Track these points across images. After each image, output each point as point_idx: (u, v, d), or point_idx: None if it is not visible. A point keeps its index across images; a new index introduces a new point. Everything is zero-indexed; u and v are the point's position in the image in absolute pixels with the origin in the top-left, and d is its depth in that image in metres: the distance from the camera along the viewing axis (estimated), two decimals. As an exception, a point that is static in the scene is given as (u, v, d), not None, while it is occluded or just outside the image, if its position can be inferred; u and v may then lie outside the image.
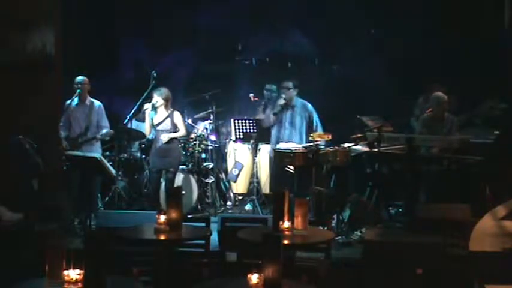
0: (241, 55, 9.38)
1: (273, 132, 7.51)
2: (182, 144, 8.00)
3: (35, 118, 6.28)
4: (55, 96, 6.69)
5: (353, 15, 8.72)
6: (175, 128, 7.23)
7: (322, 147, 6.75)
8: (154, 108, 7.15)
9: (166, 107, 7.21)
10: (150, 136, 7.53)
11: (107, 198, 7.54)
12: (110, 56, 9.15)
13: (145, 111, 7.33)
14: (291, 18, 9.14)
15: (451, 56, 8.13)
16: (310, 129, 7.33)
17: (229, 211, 7.95)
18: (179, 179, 7.51)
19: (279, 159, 6.97)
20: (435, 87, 7.43)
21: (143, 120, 7.52)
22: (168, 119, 7.21)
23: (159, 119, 7.21)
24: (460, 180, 6.14)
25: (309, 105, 7.46)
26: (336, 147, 6.66)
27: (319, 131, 7.28)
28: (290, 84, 7.36)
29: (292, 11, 9.10)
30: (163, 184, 7.32)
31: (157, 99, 7.14)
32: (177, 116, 7.27)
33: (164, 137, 7.16)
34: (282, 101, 7.33)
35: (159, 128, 7.21)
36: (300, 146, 7.09)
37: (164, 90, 7.22)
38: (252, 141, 7.72)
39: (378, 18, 8.68)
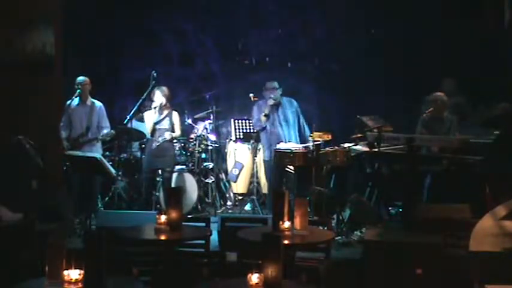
0: (241, 55, 9.37)
1: (268, 133, 7.49)
2: (182, 144, 8.01)
3: (35, 118, 6.28)
4: (55, 96, 6.68)
5: (353, 15, 8.72)
6: (172, 128, 7.28)
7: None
8: (160, 108, 7.20)
9: (166, 106, 7.26)
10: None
11: (107, 198, 7.54)
12: (110, 56, 9.16)
13: (143, 115, 7.39)
14: (292, 17, 9.15)
15: (450, 56, 8.12)
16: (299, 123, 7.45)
17: (229, 211, 7.96)
18: (179, 179, 7.51)
19: (279, 159, 6.97)
20: (448, 82, 7.46)
21: (143, 121, 7.56)
22: (167, 118, 7.27)
23: (159, 118, 7.25)
24: (460, 180, 6.14)
25: (294, 101, 7.57)
26: (336, 147, 6.67)
27: (305, 125, 7.42)
28: (276, 84, 7.46)
29: (292, 11, 9.11)
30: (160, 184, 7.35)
31: (162, 99, 7.21)
32: (175, 116, 7.34)
33: (167, 135, 7.20)
34: (271, 101, 7.38)
35: (157, 126, 7.25)
36: (300, 146, 7.10)
37: (165, 89, 7.29)
38: (252, 141, 7.72)
39: (378, 17, 8.68)
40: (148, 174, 7.35)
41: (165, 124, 7.27)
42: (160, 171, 7.38)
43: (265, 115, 7.41)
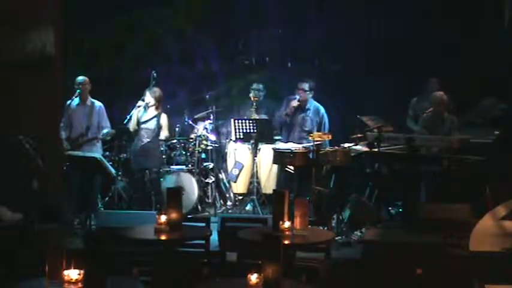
0: (241, 55, 9.37)
1: (283, 133, 7.58)
2: (182, 144, 8.01)
3: (35, 118, 6.28)
4: (55, 96, 6.69)
5: (353, 15, 8.72)
6: (159, 129, 7.33)
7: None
8: (146, 107, 7.24)
9: (156, 107, 7.32)
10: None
11: (107, 198, 7.54)
12: (110, 56, 9.17)
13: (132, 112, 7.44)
14: (292, 17, 9.15)
15: (451, 56, 8.12)
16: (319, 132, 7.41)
17: (229, 211, 7.95)
18: (179, 179, 7.52)
19: (279, 159, 6.98)
20: (432, 82, 7.48)
21: None
22: (154, 119, 7.34)
23: (146, 117, 7.32)
24: (460, 180, 6.14)
25: (322, 109, 7.54)
26: (336, 147, 6.67)
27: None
28: (306, 86, 7.44)
29: (292, 11, 9.11)
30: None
31: (150, 99, 7.28)
32: (164, 118, 7.40)
33: (151, 134, 7.29)
34: (295, 103, 7.40)
35: (143, 126, 7.31)
36: (300, 146, 7.10)
37: (157, 90, 7.33)
38: (252, 141, 7.71)
39: (378, 17, 8.67)
40: (136, 174, 7.38)
41: (152, 125, 7.31)
42: (147, 171, 7.41)
43: (287, 114, 7.46)
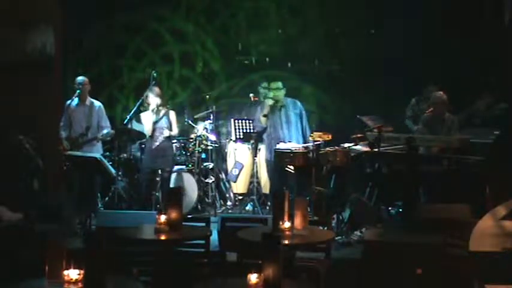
0: (241, 55, 9.37)
1: (270, 133, 7.49)
2: (182, 144, 8.01)
3: (35, 118, 6.28)
4: (55, 96, 6.69)
5: (353, 15, 8.72)
6: (170, 127, 7.34)
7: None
8: (157, 108, 7.22)
9: (162, 105, 7.32)
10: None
11: (107, 198, 7.53)
12: (111, 56, 9.18)
13: (140, 116, 7.44)
14: (291, 17, 9.15)
15: (451, 56, 8.12)
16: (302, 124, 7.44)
17: (229, 211, 7.95)
18: (179, 179, 7.52)
19: (279, 159, 6.97)
20: (430, 89, 7.48)
21: (140, 121, 7.59)
22: (165, 117, 7.31)
23: (157, 117, 7.30)
24: (460, 180, 6.14)
25: (298, 102, 7.57)
26: (336, 147, 6.67)
27: (307, 127, 7.42)
28: (280, 84, 7.46)
29: (292, 11, 9.12)
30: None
31: (156, 99, 7.25)
32: (172, 115, 7.40)
33: (166, 133, 7.27)
34: (270, 102, 7.38)
35: (156, 126, 7.28)
36: (300, 146, 7.10)
37: (157, 89, 7.35)
38: (252, 141, 7.71)
39: (378, 17, 8.68)
40: (148, 174, 7.36)
41: (163, 123, 7.31)
42: (160, 171, 7.38)
43: (264, 115, 7.42)
